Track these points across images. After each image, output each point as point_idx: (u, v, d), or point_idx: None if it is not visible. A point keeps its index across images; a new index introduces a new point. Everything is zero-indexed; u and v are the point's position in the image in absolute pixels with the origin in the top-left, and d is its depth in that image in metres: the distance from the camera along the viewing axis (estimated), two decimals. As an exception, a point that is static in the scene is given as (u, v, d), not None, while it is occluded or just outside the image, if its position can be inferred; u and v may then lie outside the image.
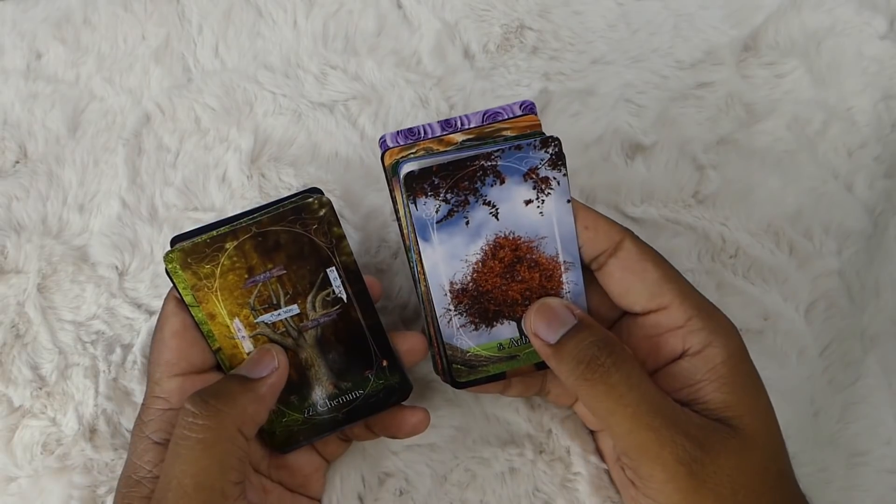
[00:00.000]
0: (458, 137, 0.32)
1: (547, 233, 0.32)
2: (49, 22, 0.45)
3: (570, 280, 0.33)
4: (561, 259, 0.33)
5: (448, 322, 0.33)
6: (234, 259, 0.32)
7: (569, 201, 0.32)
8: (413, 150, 0.32)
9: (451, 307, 0.33)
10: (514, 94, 0.44)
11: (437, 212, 0.31)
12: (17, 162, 0.43)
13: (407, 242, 0.33)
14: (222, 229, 0.32)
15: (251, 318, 0.33)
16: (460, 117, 0.33)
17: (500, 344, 0.34)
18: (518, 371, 0.35)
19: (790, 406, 0.40)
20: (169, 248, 0.32)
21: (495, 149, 0.31)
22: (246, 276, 0.33)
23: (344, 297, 0.34)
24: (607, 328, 0.34)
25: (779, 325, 0.41)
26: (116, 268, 0.41)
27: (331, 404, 0.35)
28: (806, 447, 0.40)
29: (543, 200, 0.32)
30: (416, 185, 0.31)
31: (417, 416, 0.35)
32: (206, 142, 0.43)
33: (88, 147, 0.43)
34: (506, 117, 0.32)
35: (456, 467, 0.39)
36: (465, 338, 0.34)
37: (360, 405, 0.35)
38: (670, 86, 0.45)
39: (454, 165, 0.31)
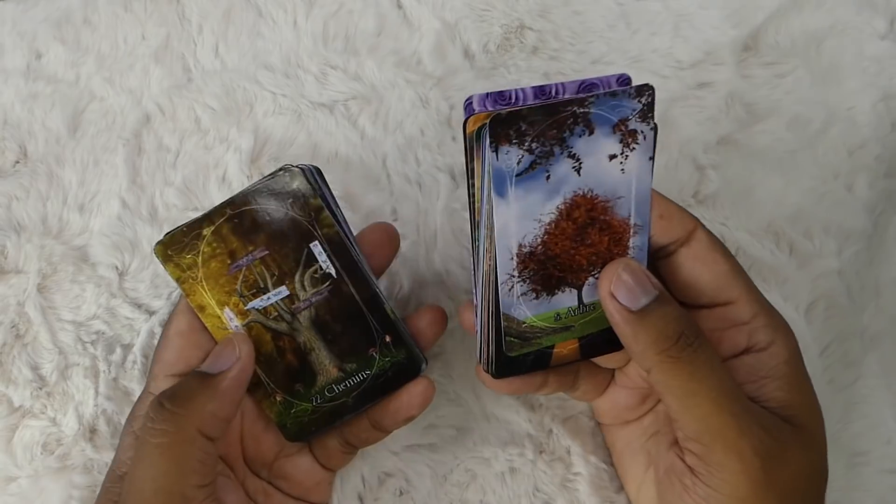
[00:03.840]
0: None
1: (624, 192, 0.31)
2: (49, 22, 0.45)
3: (636, 245, 0.31)
4: (632, 221, 0.31)
5: (509, 290, 0.31)
6: (214, 245, 0.31)
7: (651, 158, 0.30)
8: None
9: (516, 273, 0.31)
10: (514, 94, 0.44)
11: (518, 163, 0.29)
12: (17, 162, 0.43)
13: (477, 217, 0.31)
14: (198, 216, 0.31)
15: (241, 305, 0.32)
16: (556, 85, 0.30)
17: (558, 314, 0.32)
18: (563, 357, 0.33)
19: (790, 406, 0.40)
20: None
21: (590, 95, 0.29)
22: (228, 261, 0.31)
23: (333, 271, 0.32)
24: None
25: (779, 325, 0.41)
26: (116, 268, 0.41)
27: (338, 389, 0.33)
28: (806, 447, 0.40)
29: (627, 156, 0.30)
30: (502, 131, 0.28)
31: (421, 386, 0.34)
32: (206, 142, 0.43)
33: (88, 147, 0.43)
34: (601, 89, 0.31)
35: (456, 467, 0.39)
36: (524, 307, 0.32)
37: (368, 387, 0.34)
38: (670, 86, 0.45)
39: (545, 110, 0.29)
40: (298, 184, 0.31)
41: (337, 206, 0.33)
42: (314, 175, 0.32)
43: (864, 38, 0.46)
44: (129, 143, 0.43)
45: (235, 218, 0.31)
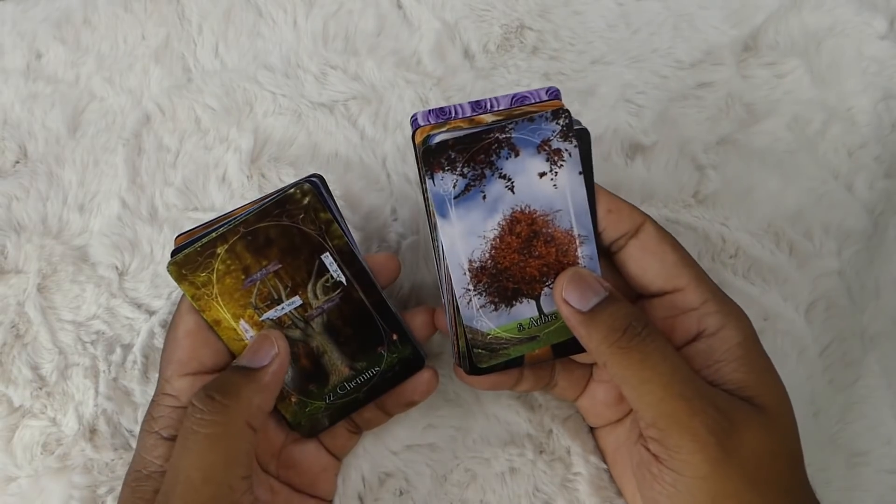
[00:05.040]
0: (488, 118, 0.32)
1: (561, 206, 0.32)
2: (49, 22, 0.45)
3: (585, 254, 0.33)
4: (575, 233, 0.33)
5: (468, 303, 0.33)
6: (228, 262, 0.32)
7: (580, 173, 0.32)
8: (444, 129, 0.32)
9: (471, 287, 0.33)
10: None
11: (454, 187, 0.31)
12: (17, 162, 0.43)
13: (433, 220, 0.33)
14: (210, 235, 0.32)
15: (256, 316, 0.33)
16: (490, 99, 0.33)
17: (520, 324, 0.34)
18: (536, 357, 0.35)
19: (790, 406, 0.40)
20: (173, 246, 0.33)
21: (509, 122, 0.31)
22: (243, 276, 0.33)
23: (343, 280, 0.34)
24: None
25: (779, 325, 0.41)
26: (116, 268, 0.41)
27: (349, 386, 0.35)
28: (806, 447, 0.40)
29: (557, 172, 0.32)
30: (434, 160, 0.31)
31: (426, 375, 0.36)
32: (206, 142, 0.43)
33: (88, 147, 0.43)
34: (532, 101, 0.33)
35: (456, 467, 0.39)
36: (486, 319, 0.34)
37: (377, 382, 0.35)
38: (670, 86, 0.45)
39: (470, 138, 0.31)
40: (309, 200, 0.32)
41: (341, 214, 0.34)
42: (321, 188, 0.33)
43: (864, 38, 0.46)
44: (129, 143, 0.43)
45: (249, 235, 0.32)
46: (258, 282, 0.33)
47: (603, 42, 0.45)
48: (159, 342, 0.39)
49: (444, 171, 0.31)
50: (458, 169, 0.31)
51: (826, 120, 0.44)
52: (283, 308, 0.33)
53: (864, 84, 0.45)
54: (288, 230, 0.32)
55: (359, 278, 0.34)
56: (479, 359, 0.34)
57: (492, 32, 0.45)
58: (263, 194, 0.41)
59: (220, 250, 0.32)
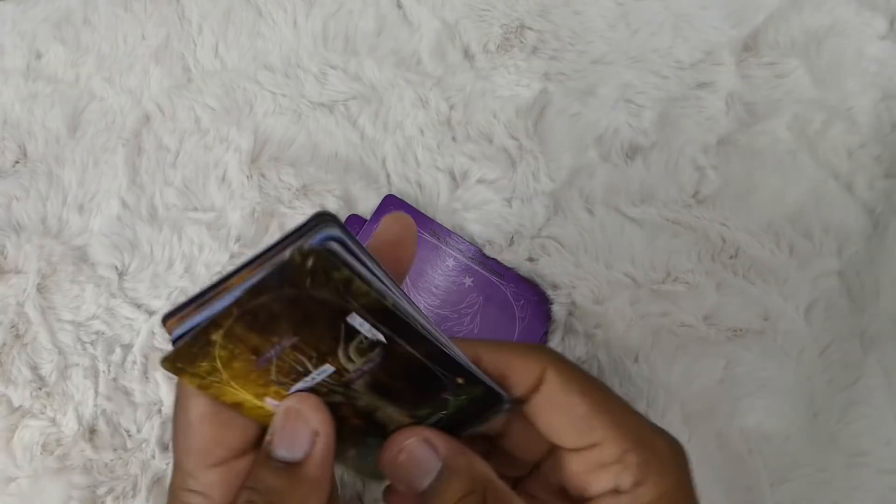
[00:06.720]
0: None
1: None
2: (49, 22, 0.45)
3: None
4: None
5: None
6: (231, 347, 0.26)
7: None
8: None
9: None
10: (514, 94, 0.44)
11: None
12: (17, 162, 0.43)
13: None
14: (200, 325, 0.25)
15: (283, 391, 0.27)
16: None
17: None
18: None
19: (790, 406, 0.40)
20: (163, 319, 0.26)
21: None
22: (253, 357, 0.26)
23: (381, 337, 0.26)
24: (536, 462, 0.30)
25: (779, 325, 0.41)
26: (116, 268, 0.41)
27: None
28: (806, 447, 0.40)
29: None
30: None
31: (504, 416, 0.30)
32: (206, 142, 0.43)
33: (88, 147, 0.43)
34: None
35: (456, 467, 0.39)
36: None
37: (446, 423, 0.30)
38: (670, 86, 0.45)
39: None
40: (313, 262, 0.24)
41: (367, 254, 0.26)
42: (334, 240, 0.26)
43: (864, 38, 0.46)
44: (129, 143, 0.43)
45: (247, 315, 0.25)
46: (274, 359, 0.26)
47: (603, 42, 0.45)
48: (159, 342, 0.39)
49: None
50: None
51: (826, 120, 0.44)
52: (312, 378, 0.27)
53: (864, 84, 0.45)
54: (295, 300, 0.25)
55: (402, 332, 0.26)
56: None
57: (492, 32, 0.45)
58: (262, 194, 0.41)
59: (216, 337, 0.25)
